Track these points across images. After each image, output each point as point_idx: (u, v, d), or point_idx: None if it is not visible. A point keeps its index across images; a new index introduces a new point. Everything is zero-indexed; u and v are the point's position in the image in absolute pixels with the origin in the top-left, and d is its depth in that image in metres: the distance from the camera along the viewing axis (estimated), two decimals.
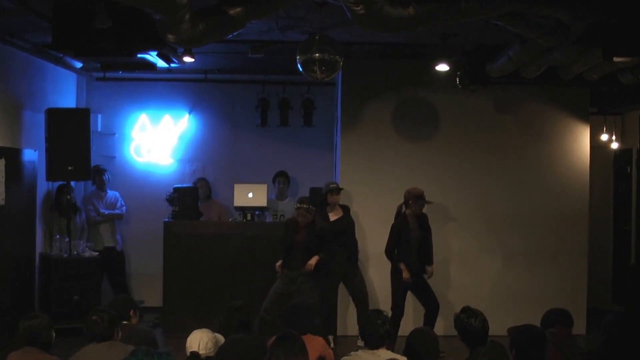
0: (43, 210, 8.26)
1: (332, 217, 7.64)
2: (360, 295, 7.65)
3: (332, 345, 7.30)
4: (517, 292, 8.22)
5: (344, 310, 7.97)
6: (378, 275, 7.95)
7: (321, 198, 7.65)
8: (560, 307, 4.87)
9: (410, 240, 7.24)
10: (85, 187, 9.14)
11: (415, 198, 7.24)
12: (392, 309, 7.15)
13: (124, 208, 8.92)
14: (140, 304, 8.13)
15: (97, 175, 8.70)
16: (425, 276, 7.37)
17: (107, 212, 8.72)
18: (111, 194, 8.88)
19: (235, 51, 7.66)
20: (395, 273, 7.27)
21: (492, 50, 7.15)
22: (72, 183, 8.25)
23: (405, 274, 7.13)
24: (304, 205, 7.13)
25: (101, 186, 8.77)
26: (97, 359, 4.00)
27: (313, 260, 7.08)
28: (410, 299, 7.47)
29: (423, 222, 7.40)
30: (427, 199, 7.28)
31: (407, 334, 4.37)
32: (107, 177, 8.78)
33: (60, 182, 8.19)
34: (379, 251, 7.47)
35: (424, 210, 7.40)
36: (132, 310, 4.80)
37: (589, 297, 8.39)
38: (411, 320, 7.61)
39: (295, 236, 7.20)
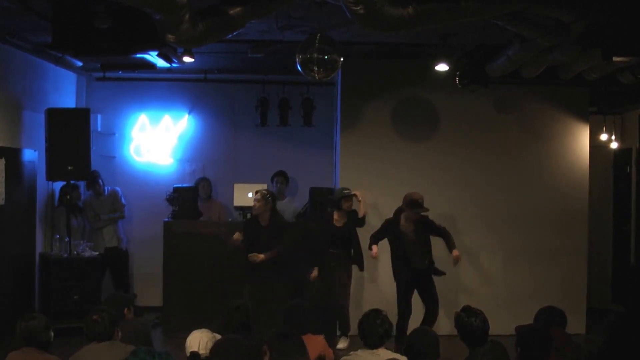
0: (43, 210, 8.26)
1: (338, 222, 7.54)
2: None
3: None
4: (517, 292, 8.22)
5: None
6: (377, 275, 7.96)
7: (335, 203, 7.53)
8: (553, 306, 4.84)
9: (403, 242, 7.09)
10: (85, 187, 9.13)
11: (408, 204, 7.03)
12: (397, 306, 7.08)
13: (125, 208, 8.89)
14: (134, 298, 8.12)
15: (91, 184, 8.63)
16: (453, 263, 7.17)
17: (107, 216, 8.69)
18: (109, 191, 8.80)
19: (235, 51, 7.66)
20: (395, 272, 7.22)
21: (492, 50, 7.15)
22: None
23: (374, 251, 7.14)
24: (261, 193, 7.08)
25: (98, 191, 8.70)
26: (97, 359, 4.00)
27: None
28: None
29: (424, 226, 7.17)
30: (426, 198, 7.17)
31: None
32: (101, 180, 8.68)
33: (63, 182, 8.19)
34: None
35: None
36: (126, 309, 4.81)
37: (588, 297, 8.40)
38: (411, 319, 7.59)
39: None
